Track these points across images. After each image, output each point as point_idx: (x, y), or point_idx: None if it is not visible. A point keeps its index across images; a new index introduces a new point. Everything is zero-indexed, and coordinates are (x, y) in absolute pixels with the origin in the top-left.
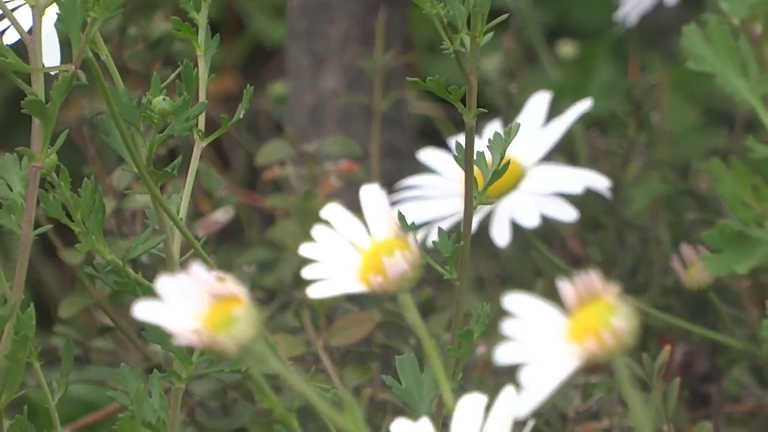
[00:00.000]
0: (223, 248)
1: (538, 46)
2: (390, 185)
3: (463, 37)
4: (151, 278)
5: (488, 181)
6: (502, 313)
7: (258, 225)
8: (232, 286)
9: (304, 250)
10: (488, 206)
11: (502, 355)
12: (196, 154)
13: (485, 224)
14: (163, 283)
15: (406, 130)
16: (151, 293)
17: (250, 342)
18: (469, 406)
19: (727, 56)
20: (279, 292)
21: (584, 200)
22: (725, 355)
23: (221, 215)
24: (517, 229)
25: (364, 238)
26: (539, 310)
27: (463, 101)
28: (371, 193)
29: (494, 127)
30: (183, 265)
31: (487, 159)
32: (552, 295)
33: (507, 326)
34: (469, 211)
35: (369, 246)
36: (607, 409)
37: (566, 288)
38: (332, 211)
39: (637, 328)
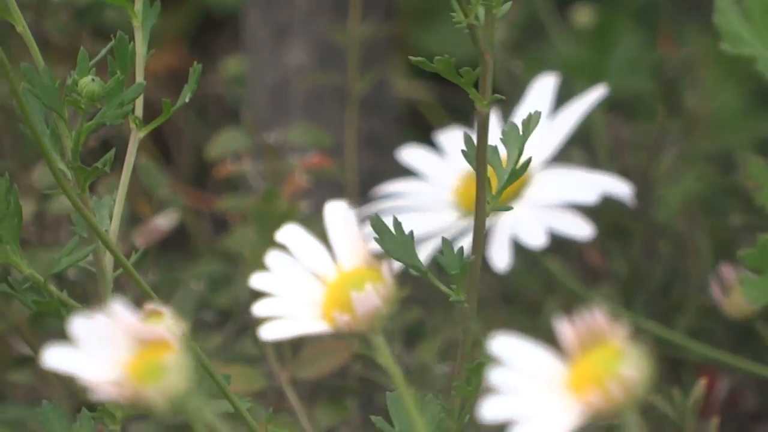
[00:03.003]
0: (166, 260)
1: (547, 13)
2: (369, 183)
3: (476, 7)
4: (79, 297)
5: (504, 184)
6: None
7: (208, 232)
8: (160, 328)
9: (256, 281)
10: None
11: (490, 411)
12: (133, 146)
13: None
14: (78, 324)
15: (388, 116)
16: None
17: (183, 396)
18: None
19: None
20: (234, 313)
21: (605, 202)
22: None
23: (164, 221)
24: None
25: (329, 266)
26: (533, 356)
27: (475, 85)
28: (338, 211)
29: (492, 115)
30: (117, 282)
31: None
32: (566, 313)
33: (495, 375)
34: (480, 218)
35: (334, 276)
36: None
37: (565, 329)
38: (290, 233)
39: (651, 377)
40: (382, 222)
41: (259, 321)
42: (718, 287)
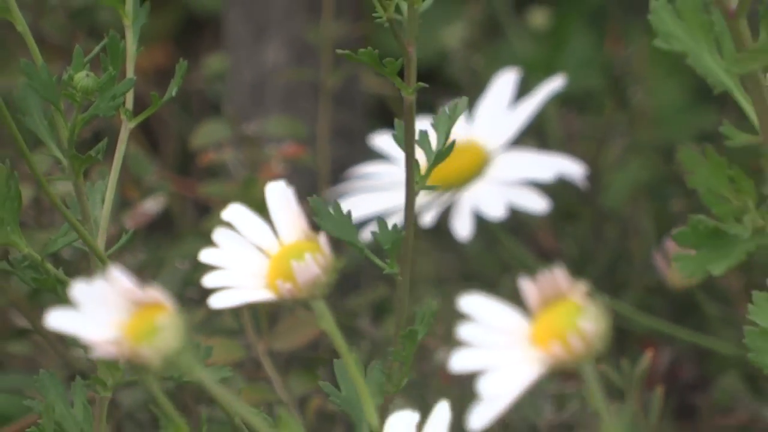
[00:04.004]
0: (154, 241)
1: (505, 15)
2: (340, 171)
3: (399, 2)
4: (73, 274)
5: (431, 164)
6: (463, 316)
7: (192, 215)
8: (155, 291)
9: (206, 255)
10: (449, 196)
11: (459, 362)
12: (124, 136)
13: (446, 216)
14: (78, 289)
15: (358, 109)
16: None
17: (176, 353)
18: (399, 424)
19: (700, 33)
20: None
21: (557, 189)
22: (715, 362)
23: (151, 205)
24: (482, 221)
25: (272, 241)
26: (499, 313)
27: (403, 75)
28: (277, 191)
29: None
30: (109, 260)
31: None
32: (520, 294)
33: (464, 330)
34: (410, 197)
35: (277, 250)
36: (583, 422)
37: (529, 287)
38: (235, 212)
39: (608, 330)
40: (322, 203)
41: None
42: (662, 260)
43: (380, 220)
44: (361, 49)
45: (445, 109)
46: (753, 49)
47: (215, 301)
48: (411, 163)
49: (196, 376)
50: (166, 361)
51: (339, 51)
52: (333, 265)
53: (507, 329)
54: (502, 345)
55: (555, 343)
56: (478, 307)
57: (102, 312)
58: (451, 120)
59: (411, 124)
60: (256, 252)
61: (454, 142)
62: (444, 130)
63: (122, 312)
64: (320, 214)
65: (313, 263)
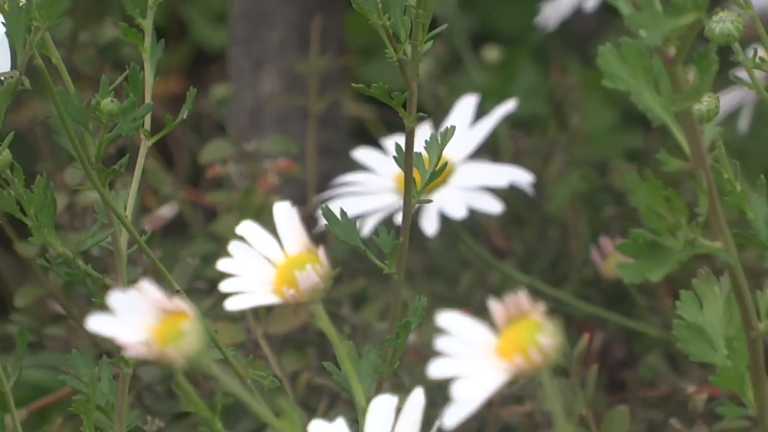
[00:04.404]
0: (169, 241)
1: (465, 51)
2: (325, 182)
3: (405, 45)
4: (100, 269)
5: (426, 182)
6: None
7: (201, 220)
8: (179, 301)
9: (222, 265)
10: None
11: (436, 370)
12: (143, 152)
13: (414, 217)
14: (114, 297)
15: (340, 130)
16: (100, 284)
17: (198, 355)
18: (380, 407)
19: (641, 74)
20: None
21: (508, 196)
22: (641, 343)
23: (167, 210)
24: (445, 223)
25: (278, 252)
26: (471, 328)
27: (404, 105)
28: (283, 211)
29: (424, 128)
30: (129, 258)
31: (424, 159)
32: (478, 284)
33: (441, 343)
34: (407, 209)
35: (282, 260)
36: (530, 394)
37: (496, 307)
38: (247, 227)
39: (561, 344)
40: (331, 211)
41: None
42: (597, 255)
43: (381, 228)
44: (374, 84)
45: (437, 135)
46: (687, 91)
47: (230, 304)
48: (410, 181)
49: (214, 373)
50: (189, 361)
51: (354, 85)
52: (330, 274)
53: (477, 342)
54: (473, 356)
55: (518, 355)
56: (453, 322)
57: (134, 317)
58: (442, 144)
59: (410, 147)
60: (265, 262)
61: (446, 163)
62: (436, 153)
63: (151, 318)
64: (330, 219)
65: (314, 273)
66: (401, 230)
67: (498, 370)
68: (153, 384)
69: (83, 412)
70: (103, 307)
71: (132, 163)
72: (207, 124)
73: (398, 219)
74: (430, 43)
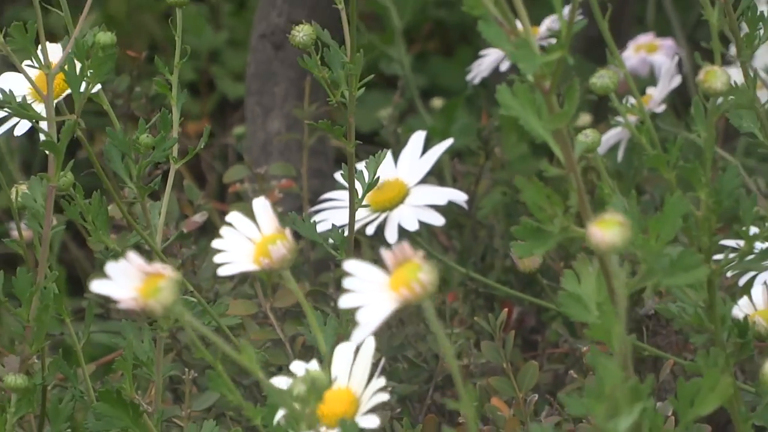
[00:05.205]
0: (201, 240)
1: (417, 101)
2: (316, 196)
3: (344, 91)
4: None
5: (364, 191)
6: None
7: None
8: (158, 265)
9: (216, 243)
10: (383, 216)
11: (345, 302)
12: (172, 173)
13: (381, 228)
14: (109, 266)
15: (327, 158)
16: None
17: (171, 304)
18: (343, 350)
19: (527, 104)
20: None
21: (449, 208)
22: (547, 315)
23: (199, 217)
24: (403, 230)
25: (256, 234)
26: (369, 270)
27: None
28: (260, 204)
29: (388, 157)
30: (171, 251)
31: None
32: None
33: (347, 282)
34: (352, 212)
35: (260, 239)
36: (467, 351)
37: (387, 254)
38: (234, 216)
39: (437, 280)
40: (295, 217)
41: (253, 275)
42: (515, 253)
43: (334, 226)
44: (321, 121)
45: (373, 156)
46: (558, 114)
47: (222, 271)
48: (352, 191)
49: (185, 320)
50: (166, 310)
51: (309, 123)
52: (295, 248)
53: (374, 281)
54: (371, 290)
55: (404, 289)
56: (356, 267)
57: (125, 280)
58: (377, 163)
59: (352, 166)
60: (246, 240)
61: (379, 177)
62: (372, 170)
63: (137, 280)
64: (296, 223)
65: (282, 247)
66: (348, 228)
67: (390, 300)
68: (190, 345)
69: (123, 369)
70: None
71: (165, 181)
72: (230, 154)
73: (369, 230)
74: (362, 90)
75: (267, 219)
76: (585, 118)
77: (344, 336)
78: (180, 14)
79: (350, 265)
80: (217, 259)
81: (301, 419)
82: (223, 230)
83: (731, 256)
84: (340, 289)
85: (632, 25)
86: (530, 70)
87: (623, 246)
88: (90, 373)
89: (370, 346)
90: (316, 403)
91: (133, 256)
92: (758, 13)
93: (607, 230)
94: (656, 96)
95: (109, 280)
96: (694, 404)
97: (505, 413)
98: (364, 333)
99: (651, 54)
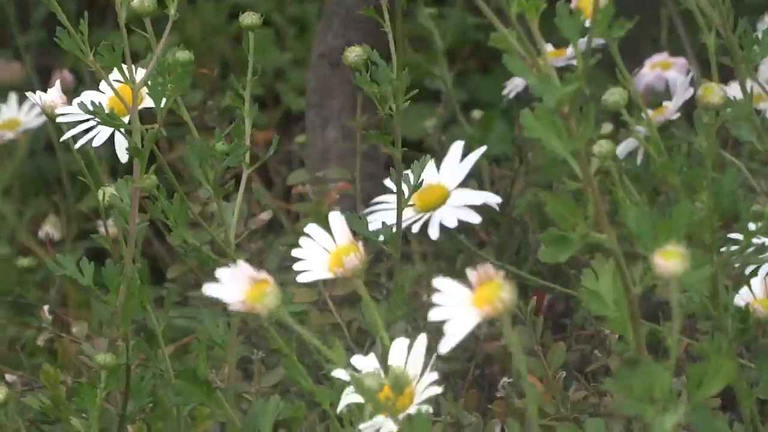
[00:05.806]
0: (269, 236)
1: (458, 113)
2: (369, 198)
3: (391, 104)
4: (217, 253)
5: (410, 193)
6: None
7: (289, 221)
8: (264, 273)
9: (295, 252)
10: (428, 214)
11: (434, 315)
12: (244, 177)
13: (425, 226)
14: (221, 272)
15: (380, 163)
16: (218, 263)
17: (275, 309)
18: (399, 344)
19: (549, 127)
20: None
21: (487, 208)
22: (574, 301)
23: (266, 215)
24: (444, 228)
25: (331, 245)
26: (455, 287)
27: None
28: (335, 218)
29: (431, 163)
30: (241, 246)
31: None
32: (469, 264)
33: (436, 297)
34: (399, 212)
35: (334, 250)
36: (503, 334)
37: (472, 273)
38: (311, 228)
39: (516, 298)
40: (352, 216)
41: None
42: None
43: (384, 224)
44: (371, 131)
45: (418, 162)
46: (576, 136)
47: (300, 278)
48: (400, 192)
49: (286, 321)
50: (270, 313)
51: (365, 133)
52: (366, 259)
53: (459, 297)
54: (457, 306)
55: (486, 305)
56: (443, 284)
57: (234, 285)
58: (421, 168)
59: (400, 170)
60: (323, 251)
61: (423, 181)
62: (417, 174)
63: (245, 285)
64: (352, 221)
65: (355, 258)
66: (396, 226)
67: (473, 315)
68: (258, 328)
69: (199, 350)
70: (215, 279)
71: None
72: (293, 160)
73: (415, 229)
74: (407, 102)
75: (341, 231)
76: (607, 127)
77: (392, 320)
78: (252, 37)
79: (439, 282)
80: (296, 266)
81: (383, 410)
82: (303, 240)
83: (732, 249)
84: (391, 279)
85: (648, 46)
86: (551, 102)
87: (684, 274)
88: (169, 354)
89: (423, 342)
90: (398, 396)
91: (242, 263)
92: (753, 35)
93: (670, 261)
94: (671, 106)
95: (220, 284)
96: (701, 386)
97: (538, 387)
98: (451, 343)
99: (665, 70)
